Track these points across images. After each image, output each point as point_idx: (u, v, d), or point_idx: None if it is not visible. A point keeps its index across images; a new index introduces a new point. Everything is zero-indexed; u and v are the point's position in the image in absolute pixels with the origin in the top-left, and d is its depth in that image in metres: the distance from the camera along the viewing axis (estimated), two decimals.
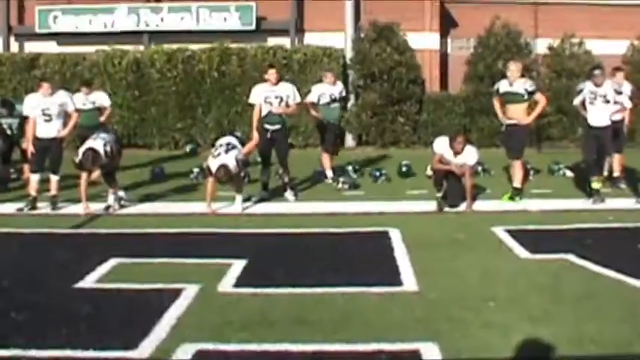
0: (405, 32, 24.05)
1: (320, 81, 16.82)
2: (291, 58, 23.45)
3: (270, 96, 13.79)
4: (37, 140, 13.22)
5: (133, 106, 23.41)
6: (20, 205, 13.21)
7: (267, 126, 13.77)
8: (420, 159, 17.64)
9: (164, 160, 19.93)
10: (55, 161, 13.33)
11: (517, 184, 13.45)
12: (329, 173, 15.77)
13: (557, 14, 27.14)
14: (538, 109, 13.60)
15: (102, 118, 15.34)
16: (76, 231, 11.38)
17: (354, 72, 23.82)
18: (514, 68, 13.46)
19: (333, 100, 15.96)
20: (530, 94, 13.32)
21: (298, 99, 14.14)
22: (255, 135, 13.86)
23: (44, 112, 13.10)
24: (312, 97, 16.08)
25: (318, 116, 16.16)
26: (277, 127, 13.80)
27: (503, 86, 13.46)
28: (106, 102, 16.34)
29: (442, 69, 27.53)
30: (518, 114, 13.30)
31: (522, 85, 13.27)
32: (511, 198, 13.31)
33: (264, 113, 13.79)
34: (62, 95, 13.46)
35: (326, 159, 15.99)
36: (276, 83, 13.88)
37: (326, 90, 16.02)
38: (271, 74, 13.94)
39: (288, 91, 13.92)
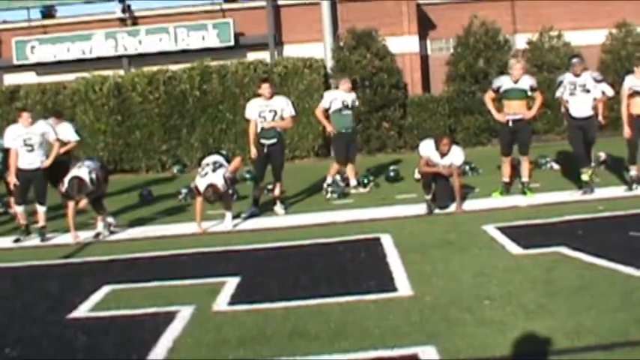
0: (384, 37, 24.19)
1: (336, 87, 16.60)
2: (271, 71, 23.44)
3: (264, 110, 13.74)
4: (20, 172, 13.19)
5: (117, 132, 23.40)
6: (14, 237, 13.25)
7: (263, 141, 13.73)
8: (407, 163, 17.69)
9: (152, 182, 19.87)
10: (40, 192, 13.29)
11: (526, 178, 13.60)
12: (329, 180, 15.65)
13: (534, 9, 27.27)
14: (537, 103, 13.59)
15: (62, 150, 14.47)
16: (67, 261, 11.31)
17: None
18: (519, 66, 13.41)
19: (345, 107, 15.79)
20: (533, 90, 13.38)
21: (293, 112, 14.05)
22: (253, 150, 13.80)
23: (26, 142, 13.06)
24: (323, 104, 15.97)
25: (327, 124, 16.05)
26: (273, 141, 13.75)
27: (506, 83, 13.37)
28: (70, 136, 15.12)
29: (423, 71, 27.63)
30: (522, 109, 13.35)
31: (527, 82, 13.30)
32: (524, 192, 13.44)
33: (259, 128, 13.77)
34: (42, 125, 13.42)
35: (334, 169, 15.84)
36: (270, 97, 13.81)
37: (339, 96, 15.88)
38: (265, 88, 13.81)
39: (282, 104, 13.87)
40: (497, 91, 13.50)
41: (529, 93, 13.34)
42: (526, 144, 13.54)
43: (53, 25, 27.71)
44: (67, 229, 12.82)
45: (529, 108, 13.56)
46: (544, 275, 8.20)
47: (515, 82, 13.25)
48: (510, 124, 13.29)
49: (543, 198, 13.00)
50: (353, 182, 15.76)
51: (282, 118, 13.81)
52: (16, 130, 13.21)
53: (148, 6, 27.30)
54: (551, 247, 9.40)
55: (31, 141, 13.08)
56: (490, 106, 13.74)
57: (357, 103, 16.70)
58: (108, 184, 13.48)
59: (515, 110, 13.27)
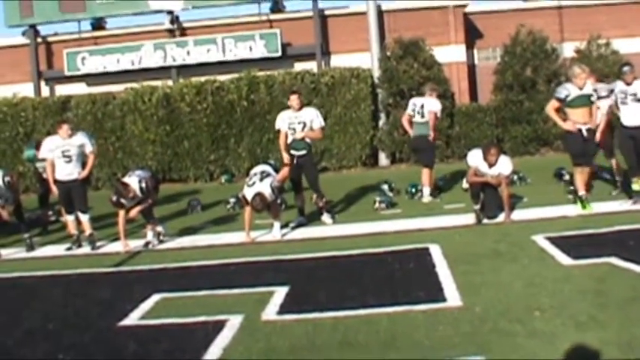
0: (431, 47, 24.08)
1: (421, 94, 16.57)
2: (318, 81, 23.49)
3: (293, 122, 13.83)
4: (58, 183, 13.46)
5: (166, 141, 23.55)
6: (66, 245, 13.50)
7: (292, 152, 13.81)
8: (455, 172, 17.63)
9: (200, 192, 19.98)
10: (81, 201, 13.52)
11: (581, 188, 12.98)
12: (426, 190, 15.65)
13: (581, 17, 27.12)
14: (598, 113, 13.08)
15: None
16: (117, 269, 11.44)
17: (382, 91, 23.81)
18: (580, 71, 12.60)
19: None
20: (599, 97, 12.99)
21: (322, 123, 14.08)
22: (285, 156, 13.86)
23: (64, 153, 13.30)
24: (409, 110, 16.01)
25: (409, 130, 16.02)
26: (302, 152, 13.80)
27: (574, 91, 12.59)
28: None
29: (470, 80, 27.56)
30: (589, 117, 12.67)
31: (590, 87, 12.69)
32: (583, 207, 12.82)
33: (289, 139, 13.85)
34: (81, 137, 13.62)
35: (426, 175, 15.72)
36: (299, 109, 13.88)
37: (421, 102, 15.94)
38: (293, 100, 13.93)
39: (311, 115, 13.88)
40: (562, 100, 12.76)
41: (594, 98, 12.67)
42: (593, 153, 13.12)
43: (103, 36, 28.00)
44: (117, 237, 12.96)
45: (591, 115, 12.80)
46: (595, 286, 8.11)
47: (581, 88, 12.58)
48: (585, 133, 12.64)
49: (593, 208, 12.84)
50: (427, 190, 15.69)
51: (312, 130, 13.85)
52: (55, 141, 13.45)
53: (196, 17, 27.37)
54: (601, 257, 9.29)
55: (69, 152, 13.29)
56: (555, 116, 13.03)
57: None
58: (158, 193, 13.63)
59: (584, 119, 12.62)
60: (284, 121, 13.96)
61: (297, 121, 13.80)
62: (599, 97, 13.08)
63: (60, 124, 13.61)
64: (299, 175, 13.95)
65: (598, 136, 13.14)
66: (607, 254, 9.34)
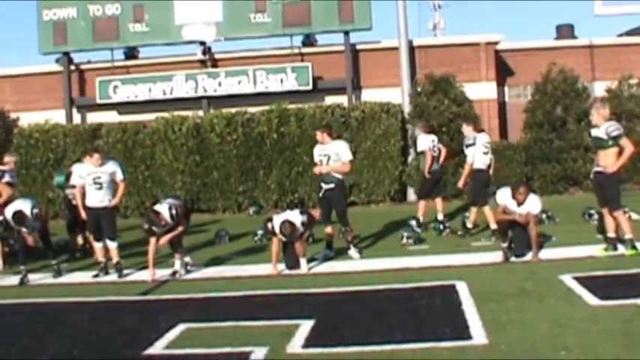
0: (462, 83, 24.12)
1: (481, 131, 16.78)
2: (349, 115, 23.56)
3: (320, 155, 13.97)
4: (89, 209, 13.60)
5: (195, 171, 23.72)
6: (93, 272, 13.58)
7: (321, 184, 13.91)
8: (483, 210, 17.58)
9: (228, 223, 20.02)
10: (110, 228, 13.60)
11: (628, 234, 12.46)
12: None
13: (613, 56, 27.11)
14: (624, 156, 12.45)
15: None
16: (143, 298, 11.48)
17: (412, 126, 23.80)
18: (594, 112, 12.82)
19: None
20: (614, 138, 12.39)
21: (349, 157, 13.93)
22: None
23: (95, 180, 13.43)
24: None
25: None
26: (330, 186, 13.80)
27: (593, 131, 12.76)
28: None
29: (501, 118, 27.57)
30: (606, 160, 12.49)
31: (604, 129, 12.43)
32: (605, 249, 12.61)
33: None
34: (112, 165, 13.75)
35: (488, 212, 15.44)
36: (326, 142, 13.96)
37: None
38: (317, 136, 14.17)
39: (337, 148, 13.85)
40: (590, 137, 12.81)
41: (610, 142, 12.36)
42: (609, 199, 12.62)
43: (135, 65, 28.29)
44: (144, 265, 13.03)
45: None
46: (623, 327, 8.04)
47: (598, 129, 12.60)
48: (591, 175, 12.82)
49: (621, 248, 12.72)
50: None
51: (340, 162, 13.84)
52: (87, 168, 13.65)
53: (228, 48, 27.58)
54: (629, 298, 9.18)
55: (100, 179, 13.42)
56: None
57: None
58: (189, 221, 13.70)
59: (598, 161, 12.62)
60: (315, 153, 14.14)
61: (324, 154, 13.89)
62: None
63: (91, 153, 13.75)
64: (326, 207, 13.96)
65: None
66: (635, 295, 9.25)
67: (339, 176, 13.89)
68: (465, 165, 15.66)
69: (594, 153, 12.98)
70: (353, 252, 13.90)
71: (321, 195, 13.90)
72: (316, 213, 13.70)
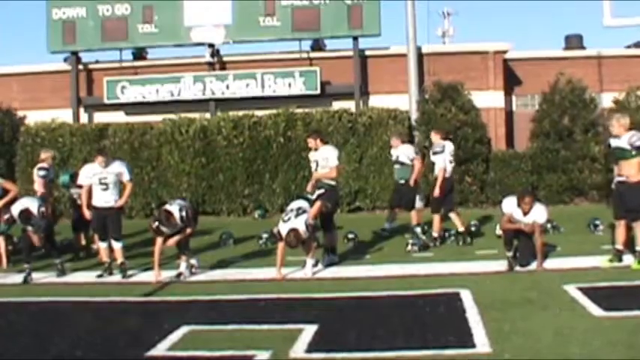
0: (469, 91, 24.11)
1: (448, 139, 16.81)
2: (356, 121, 23.55)
3: (312, 161, 14.16)
4: (94, 209, 13.61)
5: (201, 174, 23.72)
6: (97, 272, 13.58)
7: (317, 190, 13.93)
8: (488, 218, 17.55)
9: (233, 226, 20.01)
10: (115, 229, 13.62)
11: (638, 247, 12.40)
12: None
13: (621, 67, 27.06)
14: None
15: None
16: (147, 299, 11.49)
17: (419, 133, 23.80)
18: (614, 122, 12.60)
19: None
20: (638, 148, 12.19)
21: (334, 162, 13.86)
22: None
23: (101, 180, 13.46)
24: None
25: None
26: (321, 190, 13.82)
27: (613, 141, 12.58)
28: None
29: (507, 127, 27.53)
30: (628, 170, 12.34)
31: (627, 139, 12.34)
32: (610, 260, 12.58)
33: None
34: (119, 165, 13.78)
35: (456, 218, 15.79)
36: (316, 149, 14.06)
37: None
38: (309, 142, 14.35)
39: (324, 154, 13.93)
40: (610, 148, 12.73)
41: (633, 152, 12.18)
42: (631, 210, 12.40)
43: (144, 66, 28.26)
44: (148, 267, 13.03)
45: None
46: (626, 339, 8.03)
47: (619, 139, 12.44)
48: (613, 185, 12.75)
49: (627, 259, 12.70)
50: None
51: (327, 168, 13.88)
52: (93, 168, 13.64)
53: (237, 51, 27.55)
54: (633, 310, 9.19)
55: (106, 180, 13.45)
56: (612, 163, 12.87)
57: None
58: (197, 223, 13.71)
59: (621, 171, 12.45)
60: (311, 159, 14.28)
61: (313, 159, 14.07)
62: None
63: (96, 156, 13.79)
64: (323, 214, 13.89)
65: None
66: (639, 307, 9.25)
67: (332, 182, 13.89)
68: (437, 173, 15.58)
69: (615, 163, 12.75)
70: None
71: (313, 199, 13.85)
72: (316, 207, 13.57)
